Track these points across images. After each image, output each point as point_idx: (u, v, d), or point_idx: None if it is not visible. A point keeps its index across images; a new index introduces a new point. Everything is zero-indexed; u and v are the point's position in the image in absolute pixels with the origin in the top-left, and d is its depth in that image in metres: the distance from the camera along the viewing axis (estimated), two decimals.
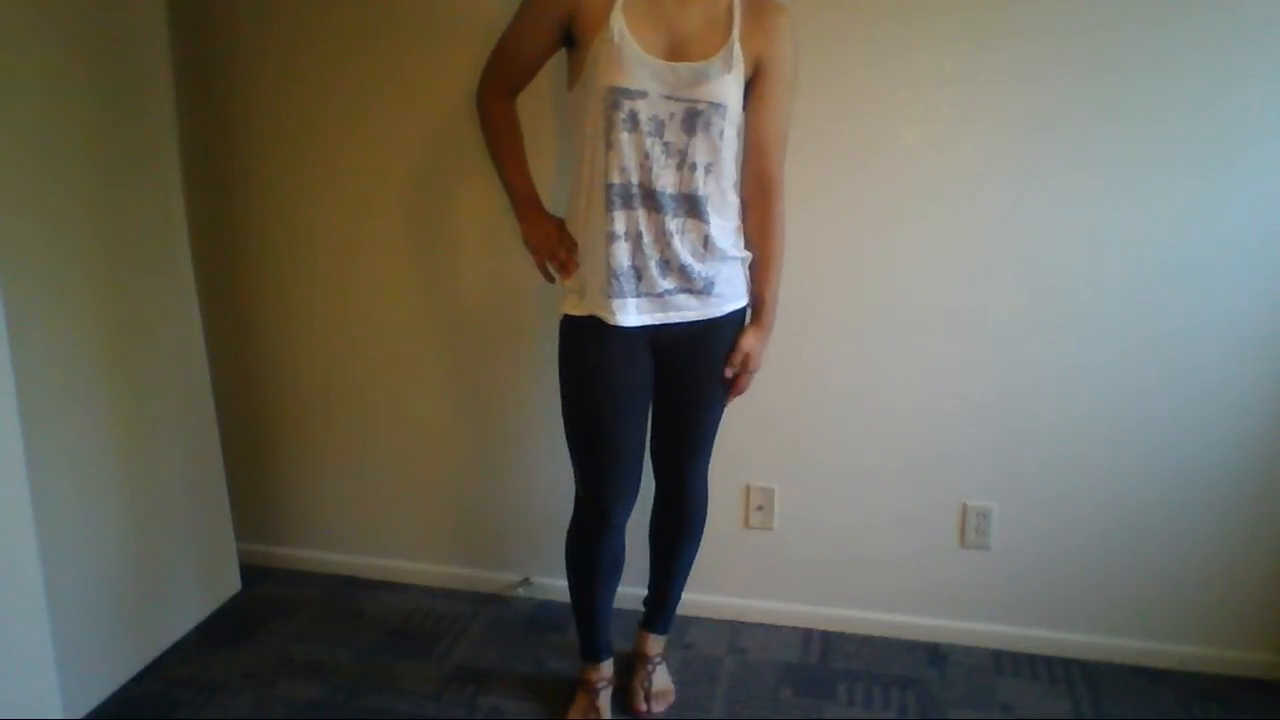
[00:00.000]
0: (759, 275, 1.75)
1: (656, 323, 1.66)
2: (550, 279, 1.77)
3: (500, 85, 1.70)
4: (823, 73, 1.95)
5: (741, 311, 1.75)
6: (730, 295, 1.70)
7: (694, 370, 1.75)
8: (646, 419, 1.79)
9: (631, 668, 2.04)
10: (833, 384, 2.13)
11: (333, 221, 2.29)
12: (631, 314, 1.63)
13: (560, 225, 1.73)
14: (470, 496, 2.41)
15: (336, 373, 2.41)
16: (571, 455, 1.78)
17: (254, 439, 2.50)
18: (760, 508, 2.24)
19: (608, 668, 1.99)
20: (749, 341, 1.75)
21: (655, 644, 2.05)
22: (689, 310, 1.67)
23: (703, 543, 1.98)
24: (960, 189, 1.97)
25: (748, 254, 1.72)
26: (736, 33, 1.58)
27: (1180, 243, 1.90)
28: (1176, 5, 1.79)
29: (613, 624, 1.96)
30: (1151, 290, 1.94)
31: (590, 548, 1.84)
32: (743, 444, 2.16)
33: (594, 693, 1.96)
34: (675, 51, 1.56)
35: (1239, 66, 1.80)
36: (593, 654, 1.97)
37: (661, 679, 2.02)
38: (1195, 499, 2.02)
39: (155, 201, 2.09)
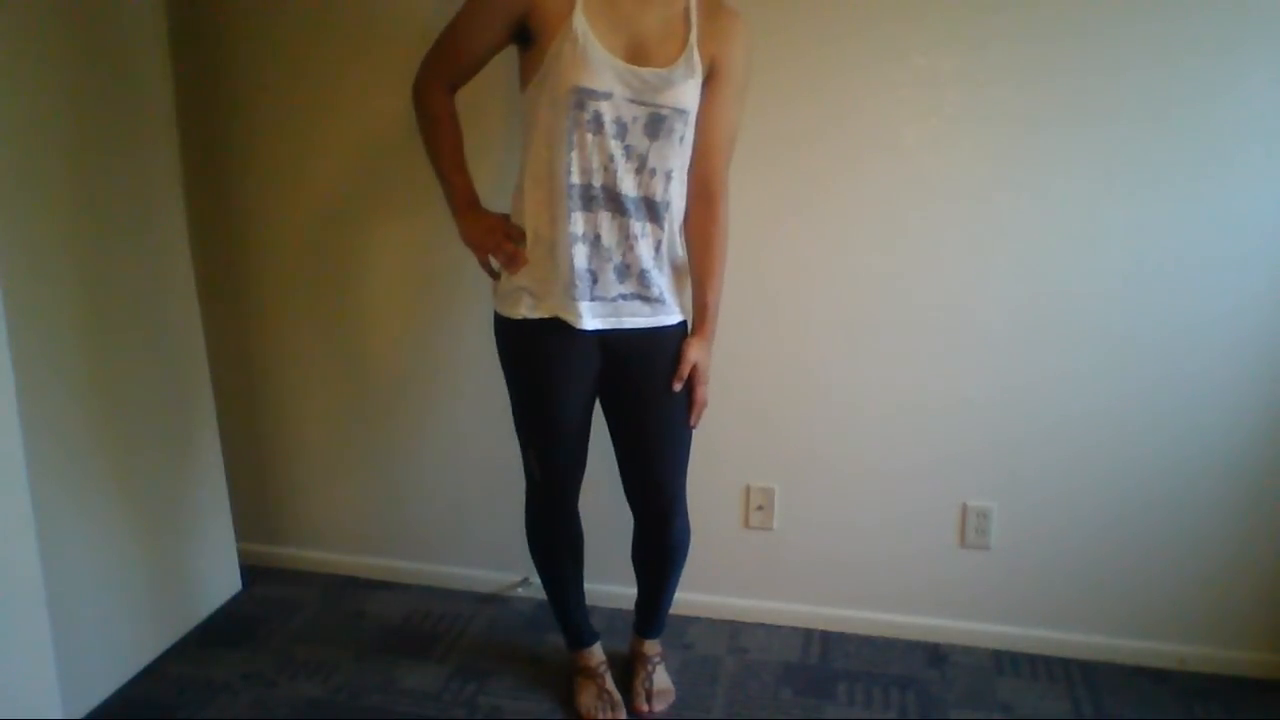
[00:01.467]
0: (702, 283, 1.71)
1: (609, 328, 1.66)
2: (495, 275, 1.74)
3: (442, 78, 1.65)
4: (822, 72, 1.95)
5: (683, 324, 1.74)
6: (674, 305, 1.70)
7: (647, 382, 1.72)
8: (593, 401, 1.78)
9: (631, 669, 2.05)
10: (833, 384, 2.13)
11: (333, 220, 2.30)
12: (588, 317, 1.63)
13: (503, 219, 1.69)
14: (470, 496, 2.41)
15: (337, 373, 2.41)
16: (523, 445, 1.81)
17: (254, 439, 2.50)
18: (760, 508, 2.24)
19: (599, 651, 2.03)
20: (694, 351, 1.71)
21: (651, 646, 2.06)
22: (640, 317, 1.67)
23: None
24: (960, 189, 1.97)
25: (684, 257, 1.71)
26: (695, 36, 1.57)
27: (1180, 243, 1.90)
28: (1176, 5, 1.79)
29: (585, 606, 2.02)
30: (1151, 290, 1.94)
31: (551, 531, 1.89)
32: (743, 444, 2.16)
33: (598, 676, 1.99)
34: (634, 54, 1.54)
35: (1239, 66, 1.80)
36: (581, 640, 2.01)
37: (661, 679, 2.02)
38: (1195, 499, 2.02)
39: (155, 201, 2.09)
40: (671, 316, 1.70)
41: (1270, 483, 1.98)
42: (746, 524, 2.26)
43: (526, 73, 1.60)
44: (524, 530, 1.91)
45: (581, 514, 1.94)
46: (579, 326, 1.62)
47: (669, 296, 1.68)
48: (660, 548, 1.90)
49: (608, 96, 1.52)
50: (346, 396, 2.42)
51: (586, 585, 2.01)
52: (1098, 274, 1.95)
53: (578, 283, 1.60)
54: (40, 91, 1.77)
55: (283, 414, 2.48)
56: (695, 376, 1.72)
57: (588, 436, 1.81)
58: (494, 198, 1.76)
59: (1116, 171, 1.89)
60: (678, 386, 1.71)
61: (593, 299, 1.62)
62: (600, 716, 1.94)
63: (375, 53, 2.14)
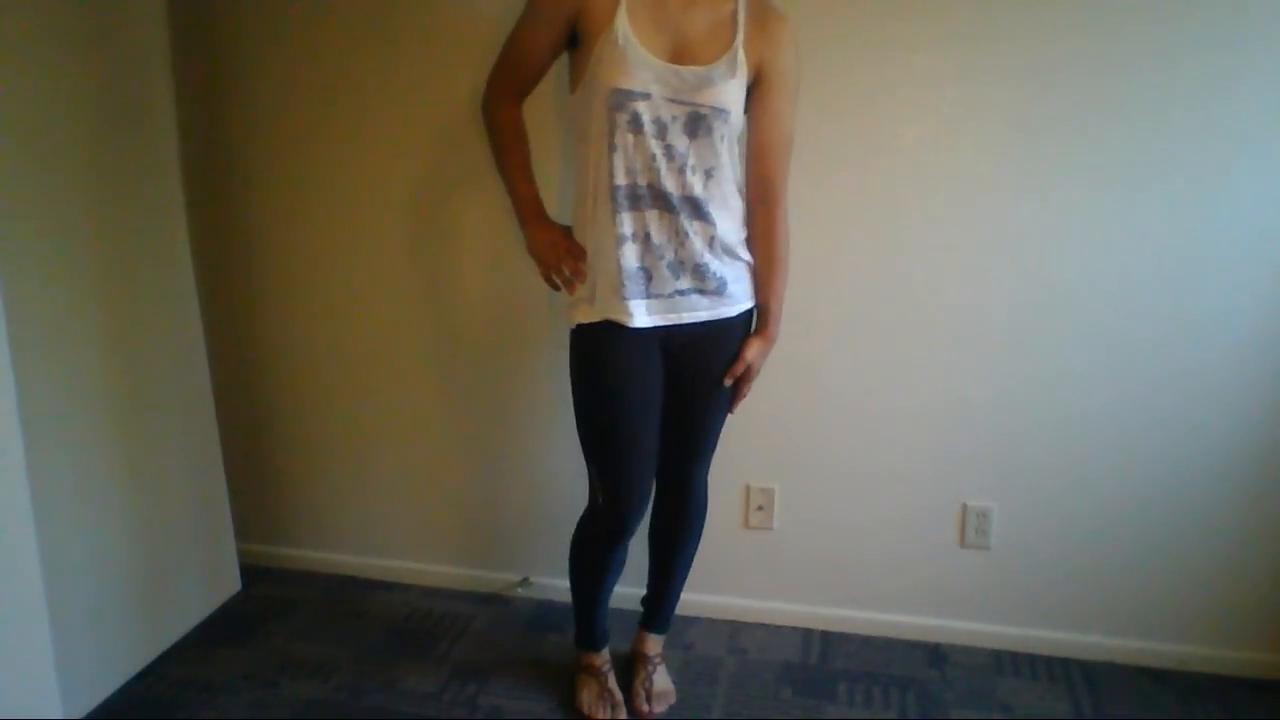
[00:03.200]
0: (763, 282, 1.74)
1: (668, 324, 1.66)
2: (556, 288, 1.74)
3: (508, 89, 1.68)
4: (822, 71, 1.95)
5: (749, 313, 1.75)
6: (740, 296, 1.71)
7: (703, 373, 1.74)
8: (659, 422, 1.78)
9: (631, 668, 2.05)
10: (833, 384, 2.13)
11: (334, 222, 2.29)
12: (643, 315, 1.63)
13: (566, 233, 1.71)
14: (470, 496, 2.41)
15: (337, 373, 2.41)
16: (590, 463, 1.78)
17: (254, 439, 2.50)
18: (760, 508, 2.24)
19: (606, 652, 2.04)
20: (752, 352, 1.74)
21: (655, 644, 2.06)
22: (700, 310, 1.67)
23: (703, 543, 1.98)
24: (960, 188, 1.97)
25: (750, 258, 1.73)
26: (741, 38, 1.58)
27: (1180, 242, 1.90)
28: (1177, 5, 1.79)
29: (608, 611, 2.02)
30: (1151, 290, 1.94)
31: (605, 553, 1.86)
32: (743, 444, 2.16)
33: (600, 675, 2.00)
34: (679, 54, 1.56)
35: (1239, 66, 1.80)
36: (594, 642, 2.02)
37: (662, 679, 2.02)
38: (1195, 499, 2.02)
39: (155, 202, 2.09)
40: (735, 306, 1.70)
41: (1270, 483, 1.98)
42: (746, 524, 2.26)
43: (574, 77, 1.63)
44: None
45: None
46: (631, 325, 1.63)
47: (732, 286, 1.68)
48: (679, 517, 1.92)
49: (645, 97, 1.54)
50: (347, 396, 2.42)
51: None
52: (1098, 274, 1.95)
53: (627, 282, 1.61)
54: (40, 92, 1.76)
55: (283, 414, 2.48)
56: (747, 374, 1.76)
57: (655, 459, 1.80)
58: (559, 207, 1.77)
59: (1116, 171, 1.89)
60: (728, 382, 1.75)
61: (648, 296, 1.63)
62: (600, 716, 1.94)
63: (380, 49, 2.14)
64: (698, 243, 1.62)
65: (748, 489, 2.24)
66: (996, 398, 2.06)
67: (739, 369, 1.74)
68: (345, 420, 2.44)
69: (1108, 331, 1.97)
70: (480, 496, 2.40)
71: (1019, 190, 1.94)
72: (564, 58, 1.66)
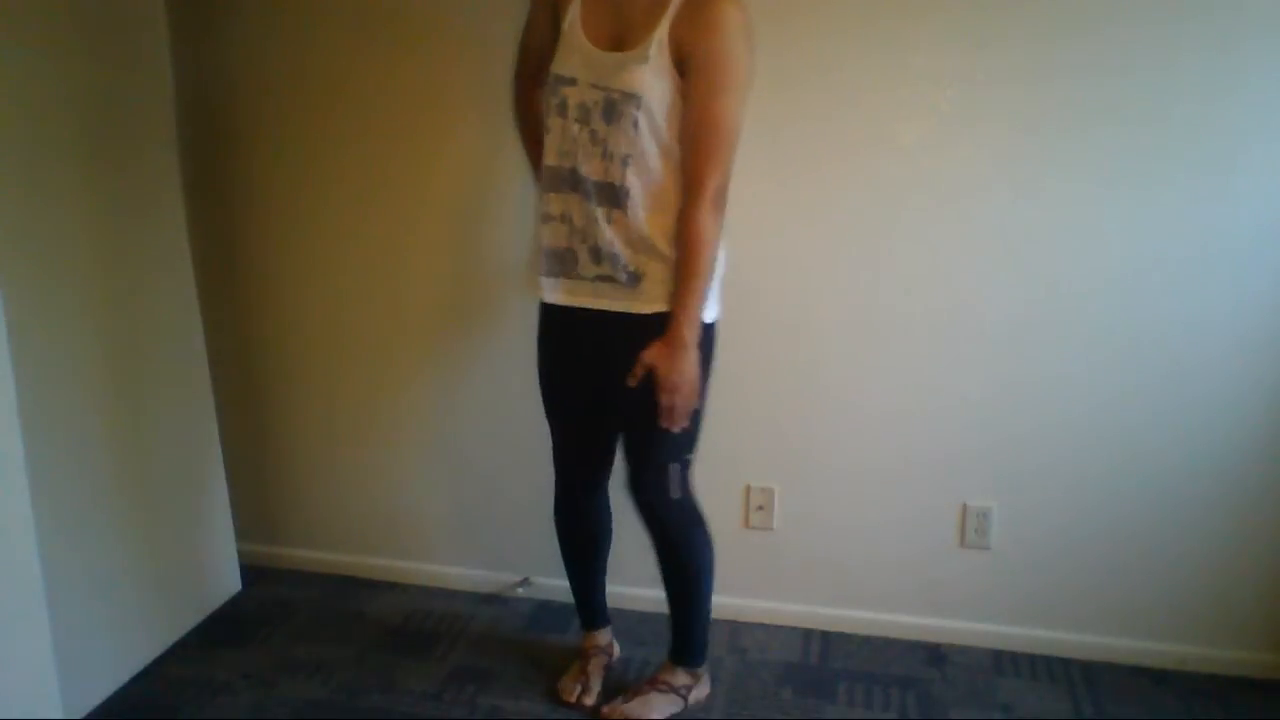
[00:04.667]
0: (675, 284, 1.62)
1: (581, 306, 1.69)
2: None
3: (524, 77, 1.80)
4: (820, 71, 1.95)
5: (658, 315, 1.64)
6: (656, 295, 1.63)
7: (617, 371, 1.65)
8: (595, 398, 1.79)
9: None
10: (833, 384, 2.13)
11: (334, 221, 2.29)
12: (551, 293, 1.71)
13: None
14: (470, 496, 2.41)
15: (337, 373, 2.41)
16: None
17: (254, 439, 2.50)
18: (760, 508, 2.24)
19: (602, 636, 2.06)
20: (651, 354, 1.61)
21: (672, 671, 1.96)
22: (615, 301, 1.65)
23: None
24: (959, 188, 1.97)
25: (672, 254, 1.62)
26: (666, 24, 1.54)
27: (1181, 242, 1.90)
28: (1177, 5, 1.79)
29: (601, 592, 2.05)
30: (1151, 290, 1.93)
31: (564, 521, 1.97)
32: (743, 444, 2.16)
33: (587, 659, 2.02)
34: (616, 42, 1.59)
35: (1240, 66, 1.80)
36: (584, 621, 2.07)
37: (648, 703, 1.92)
38: (1195, 499, 2.02)
39: (155, 202, 2.09)
40: (650, 305, 1.64)
41: (1270, 483, 1.98)
42: (746, 524, 2.26)
43: None
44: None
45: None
46: (542, 299, 1.74)
47: (646, 283, 1.63)
48: (659, 546, 1.86)
49: (572, 82, 1.60)
50: (347, 396, 2.42)
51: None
52: (1098, 273, 1.95)
53: (544, 260, 1.70)
54: (40, 92, 1.76)
55: (283, 414, 2.48)
56: (663, 386, 1.61)
57: (594, 425, 1.84)
58: None
59: (1116, 171, 1.89)
60: (631, 383, 1.63)
61: (565, 277, 1.69)
62: (566, 696, 1.97)
63: (381, 49, 2.14)
64: (609, 231, 1.62)
65: (748, 489, 2.24)
66: (996, 398, 2.06)
67: (638, 370, 1.61)
68: (346, 421, 2.44)
69: (1108, 331, 1.97)
70: (480, 496, 2.40)
71: (1019, 190, 1.94)
72: None
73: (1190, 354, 1.95)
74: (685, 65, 1.54)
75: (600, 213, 1.62)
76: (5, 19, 1.67)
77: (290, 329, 2.41)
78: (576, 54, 1.59)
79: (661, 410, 1.63)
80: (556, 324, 1.78)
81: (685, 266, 1.60)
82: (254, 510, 2.54)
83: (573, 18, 1.61)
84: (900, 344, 2.07)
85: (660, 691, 1.94)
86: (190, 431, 2.24)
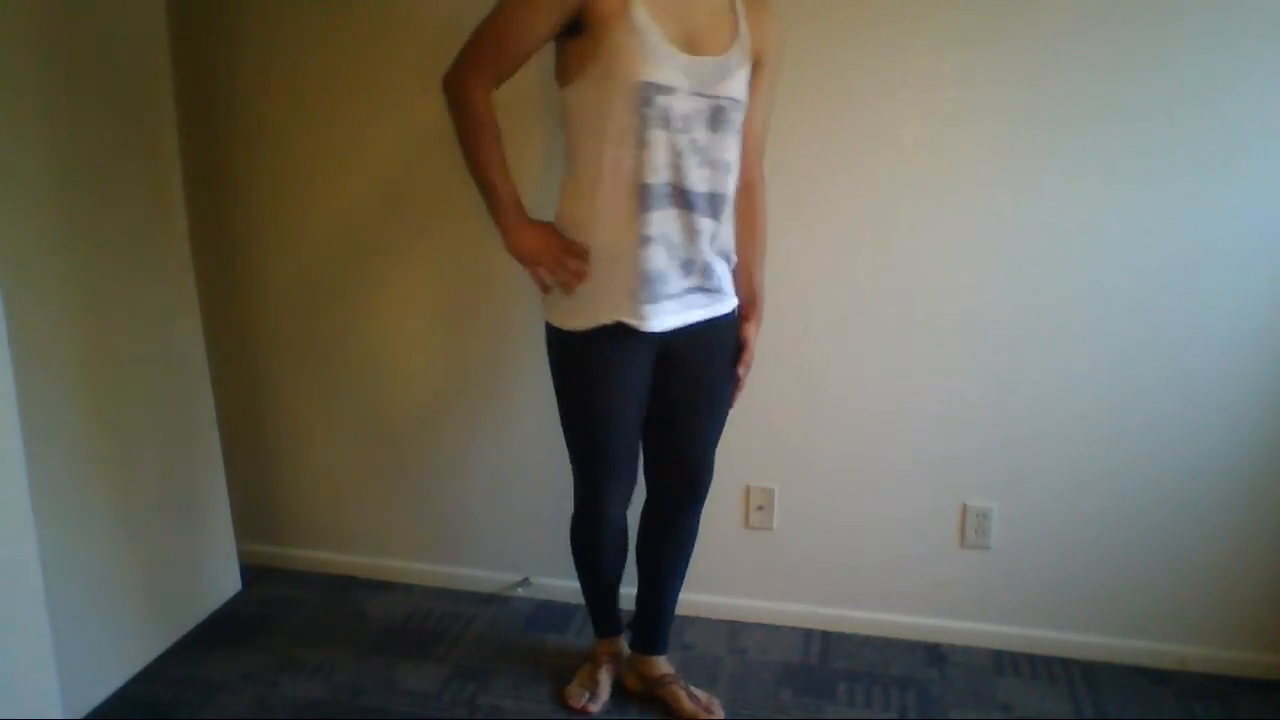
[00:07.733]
0: (751, 268, 1.76)
1: (680, 324, 1.62)
2: (547, 290, 1.66)
3: (484, 74, 1.50)
4: (821, 71, 1.95)
5: (735, 310, 1.75)
6: (730, 293, 1.72)
7: (708, 370, 1.74)
8: (643, 412, 1.75)
9: (661, 698, 1.96)
10: (833, 384, 2.13)
11: (334, 221, 2.30)
12: (660, 318, 1.58)
13: (555, 229, 1.61)
14: (470, 496, 2.41)
15: (337, 372, 2.41)
16: (573, 457, 1.78)
17: (254, 439, 2.50)
18: (760, 508, 2.24)
19: (616, 643, 2.04)
20: (751, 333, 1.76)
21: (666, 663, 2.00)
22: (700, 309, 1.66)
23: (702, 543, 1.97)
24: (960, 188, 1.97)
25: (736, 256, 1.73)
26: (743, 25, 1.56)
27: (1181, 243, 1.90)
28: (1177, 5, 1.79)
29: (618, 598, 2.02)
30: (1152, 290, 1.94)
31: (594, 541, 1.88)
32: (743, 444, 2.16)
33: (598, 665, 2.00)
34: (689, 44, 1.50)
35: (1240, 66, 1.80)
36: (600, 629, 2.03)
37: (696, 690, 1.96)
38: (1195, 499, 2.02)
39: (156, 202, 2.09)
40: (727, 304, 1.71)
41: (1270, 483, 1.98)
42: (746, 524, 2.26)
43: (574, 66, 1.52)
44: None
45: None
46: (645, 329, 1.57)
47: (726, 285, 1.69)
48: (681, 529, 1.90)
49: (672, 91, 1.47)
50: (347, 396, 2.42)
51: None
52: (1098, 274, 1.95)
53: (648, 285, 1.54)
54: (40, 93, 1.76)
55: (283, 414, 2.48)
56: (742, 359, 1.77)
57: (638, 451, 1.81)
58: (537, 205, 1.66)
59: (1117, 171, 1.89)
60: (743, 371, 1.76)
61: (668, 298, 1.58)
62: (574, 703, 1.95)
63: (382, 52, 2.14)
64: (704, 241, 1.58)
65: (748, 489, 2.24)
66: (997, 398, 2.06)
67: (749, 356, 1.76)
68: (346, 420, 2.44)
69: (1108, 332, 1.97)
70: (480, 496, 2.40)
71: (1019, 191, 1.94)
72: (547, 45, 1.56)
73: (1190, 354, 1.95)
74: (758, 64, 1.62)
75: (700, 224, 1.55)
76: (3, 22, 1.67)
77: (291, 328, 2.41)
78: (668, 60, 1.46)
79: (739, 384, 1.78)
80: (629, 351, 1.62)
81: (762, 249, 1.77)
82: (254, 510, 2.54)
83: (643, 20, 1.44)
84: (900, 344, 2.07)
85: (682, 686, 1.97)
86: (190, 432, 2.24)
